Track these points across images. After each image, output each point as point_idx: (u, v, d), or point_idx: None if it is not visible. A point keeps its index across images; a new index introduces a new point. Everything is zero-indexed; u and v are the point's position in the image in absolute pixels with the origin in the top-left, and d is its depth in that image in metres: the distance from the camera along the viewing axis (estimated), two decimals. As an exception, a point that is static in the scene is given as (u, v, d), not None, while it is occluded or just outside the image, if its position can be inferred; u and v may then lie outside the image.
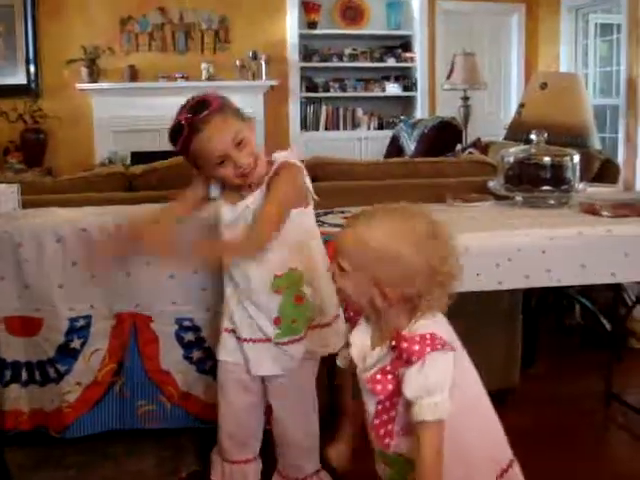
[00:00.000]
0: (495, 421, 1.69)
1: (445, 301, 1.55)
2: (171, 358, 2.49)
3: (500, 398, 1.71)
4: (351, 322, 1.68)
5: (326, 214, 2.66)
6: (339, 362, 1.74)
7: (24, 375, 2.50)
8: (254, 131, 2.08)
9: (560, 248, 2.30)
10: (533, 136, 2.85)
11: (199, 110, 1.96)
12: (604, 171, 4.22)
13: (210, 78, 7.43)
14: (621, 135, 6.82)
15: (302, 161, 2.14)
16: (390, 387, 1.52)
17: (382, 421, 1.57)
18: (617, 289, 3.37)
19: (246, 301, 2.09)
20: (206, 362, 2.48)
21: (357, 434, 1.79)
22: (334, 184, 2.98)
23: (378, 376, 1.53)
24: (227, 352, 2.16)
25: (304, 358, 2.12)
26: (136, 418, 2.54)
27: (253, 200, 2.04)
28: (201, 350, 2.48)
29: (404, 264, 1.49)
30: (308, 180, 2.11)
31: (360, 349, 1.60)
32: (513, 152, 2.89)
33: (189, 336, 2.46)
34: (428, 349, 1.48)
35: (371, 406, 1.59)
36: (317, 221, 2.54)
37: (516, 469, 1.70)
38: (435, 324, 1.54)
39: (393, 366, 1.51)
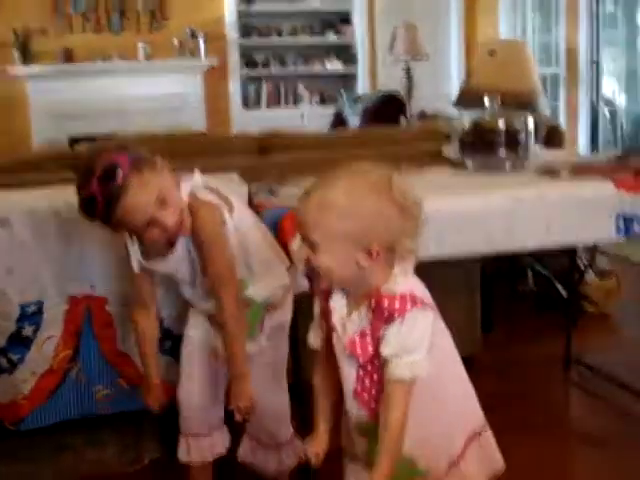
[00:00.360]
0: (469, 385, 1.67)
1: (417, 249, 1.50)
2: (129, 340, 2.40)
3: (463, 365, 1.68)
4: (320, 295, 1.62)
5: (281, 186, 2.60)
6: (311, 342, 1.67)
7: (-26, 367, 2.39)
8: (168, 172, 1.87)
9: (524, 211, 2.28)
10: (486, 101, 2.82)
11: (110, 176, 1.74)
12: (550, 137, 4.25)
13: (147, 58, 7.28)
14: (562, 103, 6.88)
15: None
16: (370, 349, 1.48)
17: (365, 386, 1.53)
18: (572, 254, 3.39)
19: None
20: (165, 342, 2.40)
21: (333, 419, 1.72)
22: (287, 156, 2.92)
23: (357, 339, 1.49)
24: (192, 326, 2.12)
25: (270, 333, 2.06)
26: (94, 404, 2.46)
27: (185, 247, 1.92)
28: (160, 330, 2.39)
29: (377, 213, 1.43)
30: (222, 206, 1.95)
31: (340, 316, 1.55)
32: (467, 118, 2.85)
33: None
34: (409, 306, 1.44)
35: (351, 373, 1.54)
36: (273, 193, 2.49)
37: (488, 433, 1.69)
38: (412, 284, 1.50)
39: (373, 327, 1.48)
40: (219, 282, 1.92)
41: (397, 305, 1.44)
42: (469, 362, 1.70)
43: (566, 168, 2.51)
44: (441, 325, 1.59)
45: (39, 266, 2.31)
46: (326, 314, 1.58)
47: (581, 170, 2.51)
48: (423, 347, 1.47)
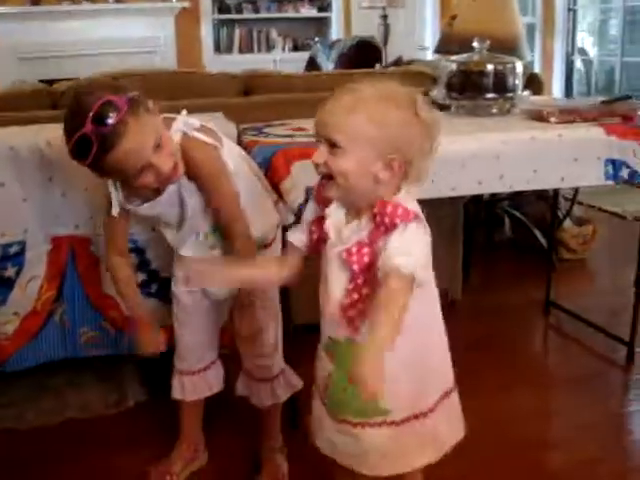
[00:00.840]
0: (446, 339, 1.63)
1: (426, 173, 1.48)
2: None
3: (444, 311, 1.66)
4: (320, 201, 1.56)
5: (267, 127, 2.56)
6: (292, 238, 1.61)
7: (-45, 308, 2.33)
8: (158, 112, 1.77)
9: (513, 154, 2.27)
10: (476, 44, 2.79)
11: (105, 116, 1.60)
12: (529, 84, 4.23)
13: (117, 0, 7.09)
14: (537, 52, 6.87)
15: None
16: (366, 259, 1.44)
17: (353, 300, 1.48)
18: (551, 201, 3.40)
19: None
20: (151, 285, 2.37)
21: None
22: (271, 97, 2.87)
23: (354, 249, 1.44)
24: (180, 268, 2.04)
25: None
26: (79, 346, 2.42)
27: (175, 190, 1.84)
28: (146, 273, 2.36)
29: (403, 126, 1.41)
30: (217, 144, 1.87)
31: (335, 222, 1.50)
32: (455, 60, 2.82)
33: (133, 258, 2.32)
34: (412, 217, 1.40)
35: (339, 286, 1.49)
36: (261, 133, 2.45)
37: (456, 394, 1.67)
38: (416, 206, 1.47)
39: (372, 237, 1.43)
40: (230, 216, 1.88)
41: (400, 212, 1.40)
42: (451, 307, 1.67)
43: (554, 112, 2.50)
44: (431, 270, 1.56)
45: (21, 206, 2.25)
46: (322, 220, 1.53)
47: (569, 115, 2.49)
48: (422, 258, 1.42)
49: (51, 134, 2.28)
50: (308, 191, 1.97)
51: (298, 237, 1.60)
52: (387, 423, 1.54)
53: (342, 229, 1.49)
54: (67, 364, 2.53)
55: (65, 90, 2.90)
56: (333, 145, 1.41)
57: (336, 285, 1.50)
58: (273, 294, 2.12)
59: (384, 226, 1.41)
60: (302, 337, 1.96)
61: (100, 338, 2.42)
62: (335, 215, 1.50)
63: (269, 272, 1.68)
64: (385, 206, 1.41)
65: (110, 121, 1.60)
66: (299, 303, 2.18)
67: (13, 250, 2.28)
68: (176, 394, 2.15)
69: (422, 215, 1.45)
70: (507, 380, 2.65)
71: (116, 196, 1.86)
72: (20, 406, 2.53)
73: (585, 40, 7.13)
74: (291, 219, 2.09)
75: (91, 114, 1.59)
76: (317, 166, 1.45)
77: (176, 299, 2.08)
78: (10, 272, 2.29)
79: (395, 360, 1.43)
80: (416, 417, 1.57)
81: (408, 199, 1.45)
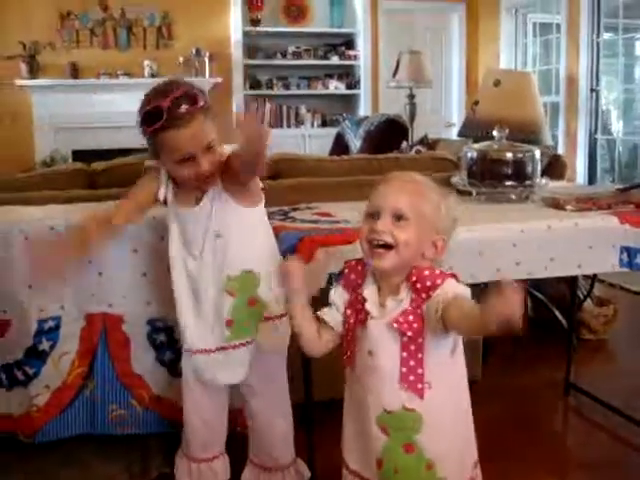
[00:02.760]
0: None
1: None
2: (143, 361, 2.45)
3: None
4: (348, 286, 1.70)
5: (294, 210, 2.66)
6: (328, 318, 1.72)
7: (-11, 379, 2.42)
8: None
9: (530, 241, 2.33)
10: (495, 132, 2.89)
11: (184, 103, 1.86)
12: (552, 166, 4.32)
13: (153, 75, 7.35)
14: (561, 132, 6.97)
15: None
16: (416, 325, 1.56)
17: (410, 367, 1.58)
18: (572, 281, 3.44)
19: (197, 304, 2.06)
20: (179, 364, 2.44)
21: None
22: (299, 181, 2.97)
23: (401, 318, 1.57)
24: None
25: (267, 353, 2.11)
26: (108, 423, 2.48)
27: (209, 200, 2.00)
28: (174, 352, 2.43)
29: (447, 215, 1.64)
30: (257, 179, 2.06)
31: (373, 299, 1.64)
32: (476, 148, 2.92)
33: (161, 337, 2.42)
34: (449, 275, 1.59)
35: (392, 356, 1.59)
36: (287, 217, 2.55)
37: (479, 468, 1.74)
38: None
39: (414, 305, 1.57)
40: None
41: (438, 273, 1.58)
42: (470, 387, 1.75)
43: (571, 201, 2.58)
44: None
45: (59, 283, 2.35)
46: (354, 303, 1.66)
47: (585, 203, 2.57)
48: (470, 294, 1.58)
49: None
50: (331, 277, 2.06)
51: (333, 316, 1.72)
52: None
53: (383, 303, 1.62)
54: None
55: (104, 170, 3.03)
56: (399, 217, 1.58)
57: (387, 357, 1.61)
58: (282, 383, 2.18)
59: (424, 291, 1.55)
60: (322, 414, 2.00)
61: (128, 417, 2.48)
62: (370, 293, 1.64)
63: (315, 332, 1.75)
64: (422, 271, 1.57)
65: (184, 108, 1.86)
66: (319, 380, 2.23)
67: (48, 325, 2.38)
68: (182, 477, 2.21)
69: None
70: (526, 463, 2.66)
71: (165, 184, 2.05)
72: (48, 476, 2.59)
73: (609, 118, 7.24)
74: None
75: (173, 95, 1.86)
76: (379, 233, 1.58)
77: (187, 388, 2.18)
78: (45, 346, 2.39)
79: (447, 426, 1.61)
80: None
81: None
